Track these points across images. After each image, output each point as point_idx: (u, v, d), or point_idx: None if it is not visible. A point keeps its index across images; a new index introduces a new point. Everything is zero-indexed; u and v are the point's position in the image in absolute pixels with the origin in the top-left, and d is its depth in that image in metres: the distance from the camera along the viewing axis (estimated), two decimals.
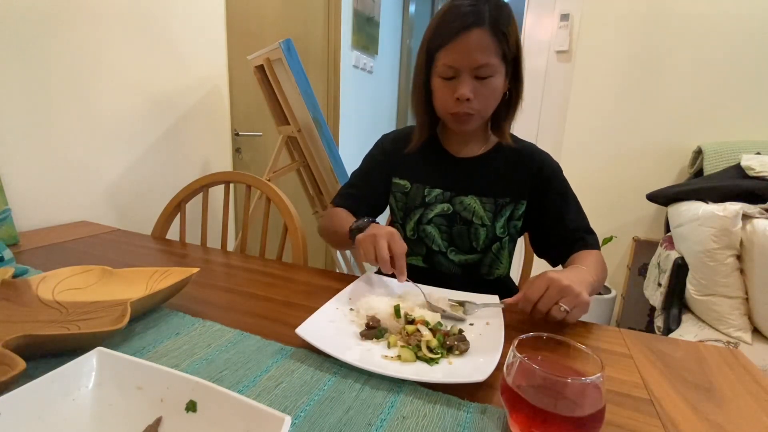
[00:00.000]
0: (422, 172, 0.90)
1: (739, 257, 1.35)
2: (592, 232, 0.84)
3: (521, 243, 1.06)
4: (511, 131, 0.87)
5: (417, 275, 0.77)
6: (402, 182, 0.91)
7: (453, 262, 0.87)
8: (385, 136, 0.99)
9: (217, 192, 1.35)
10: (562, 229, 0.84)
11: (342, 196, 0.97)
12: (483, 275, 0.88)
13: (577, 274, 0.63)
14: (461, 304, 0.66)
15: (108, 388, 0.37)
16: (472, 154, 0.88)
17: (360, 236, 0.72)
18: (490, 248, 0.86)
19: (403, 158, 0.92)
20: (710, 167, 1.74)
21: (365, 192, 0.95)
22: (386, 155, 0.95)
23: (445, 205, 0.86)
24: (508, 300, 0.64)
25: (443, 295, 0.68)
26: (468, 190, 0.86)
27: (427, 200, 0.87)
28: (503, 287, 0.91)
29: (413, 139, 0.90)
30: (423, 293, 0.68)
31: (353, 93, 2.53)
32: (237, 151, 1.80)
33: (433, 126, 0.90)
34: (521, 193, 0.86)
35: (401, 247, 0.68)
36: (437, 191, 0.87)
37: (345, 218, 0.87)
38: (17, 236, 0.91)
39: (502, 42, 0.74)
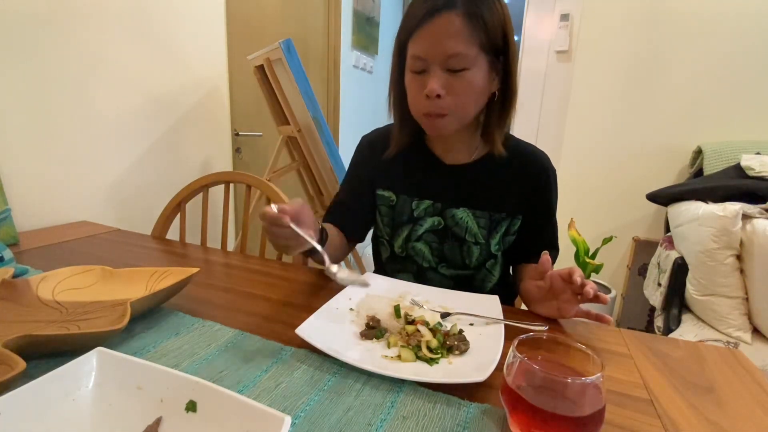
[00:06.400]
0: (408, 181, 0.81)
1: (739, 257, 1.35)
2: (557, 248, 0.83)
3: None
4: (510, 133, 0.82)
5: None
6: (386, 194, 0.82)
7: (444, 276, 0.81)
8: (363, 138, 0.88)
9: (217, 192, 1.34)
10: (534, 243, 0.80)
11: (330, 212, 0.88)
12: (475, 288, 0.82)
13: None
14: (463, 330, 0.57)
15: (108, 388, 0.37)
16: (462, 161, 0.79)
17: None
18: (483, 265, 0.80)
19: (384, 165, 0.81)
20: (710, 167, 1.74)
21: (353, 204, 0.86)
22: (366, 161, 0.85)
23: (436, 219, 0.79)
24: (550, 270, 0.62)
25: (438, 302, 0.66)
26: (459, 202, 0.78)
27: (415, 214, 0.80)
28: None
29: (391, 143, 0.80)
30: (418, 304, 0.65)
31: (353, 93, 2.53)
32: (237, 151, 1.80)
33: (415, 130, 0.78)
34: (518, 208, 0.78)
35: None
36: (426, 203, 0.79)
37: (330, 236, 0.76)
38: (17, 236, 0.91)
39: (480, 29, 0.63)
